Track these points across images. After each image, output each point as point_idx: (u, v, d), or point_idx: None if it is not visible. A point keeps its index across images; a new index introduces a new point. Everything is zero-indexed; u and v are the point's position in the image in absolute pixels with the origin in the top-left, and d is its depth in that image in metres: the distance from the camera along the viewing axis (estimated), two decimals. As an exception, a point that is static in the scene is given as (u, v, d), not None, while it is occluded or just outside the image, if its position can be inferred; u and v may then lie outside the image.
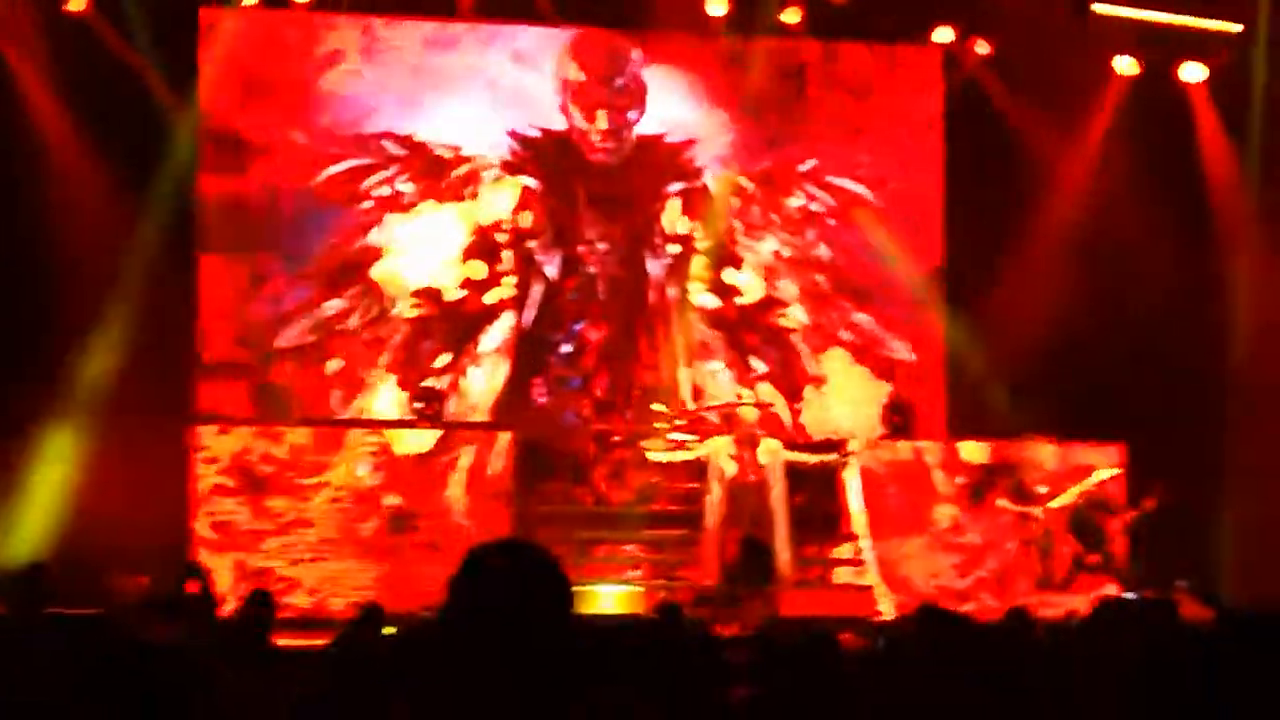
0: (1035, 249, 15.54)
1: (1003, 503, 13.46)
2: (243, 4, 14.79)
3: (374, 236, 15.23)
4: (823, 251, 16.02)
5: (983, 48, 15.68)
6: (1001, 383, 15.03)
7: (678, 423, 14.63)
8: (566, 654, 2.79)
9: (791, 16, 15.42)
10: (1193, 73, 15.58)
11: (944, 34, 15.65)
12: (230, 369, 14.74)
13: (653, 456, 13.57)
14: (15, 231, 13.60)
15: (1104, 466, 13.90)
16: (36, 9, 14.11)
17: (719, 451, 12.31)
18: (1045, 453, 13.46)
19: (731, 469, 12.25)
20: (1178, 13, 15.21)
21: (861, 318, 15.99)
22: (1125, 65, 15.62)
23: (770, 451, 12.33)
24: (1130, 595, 10.76)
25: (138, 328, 13.80)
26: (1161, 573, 12.31)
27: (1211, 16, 15.20)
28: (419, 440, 14.04)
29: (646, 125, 15.77)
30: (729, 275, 15.85)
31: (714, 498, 12.10)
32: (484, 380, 15.30)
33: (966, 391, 15.51)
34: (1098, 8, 15.16)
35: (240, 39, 14.94)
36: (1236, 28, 15.19)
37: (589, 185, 15.64)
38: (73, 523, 13.04)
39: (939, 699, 3.66)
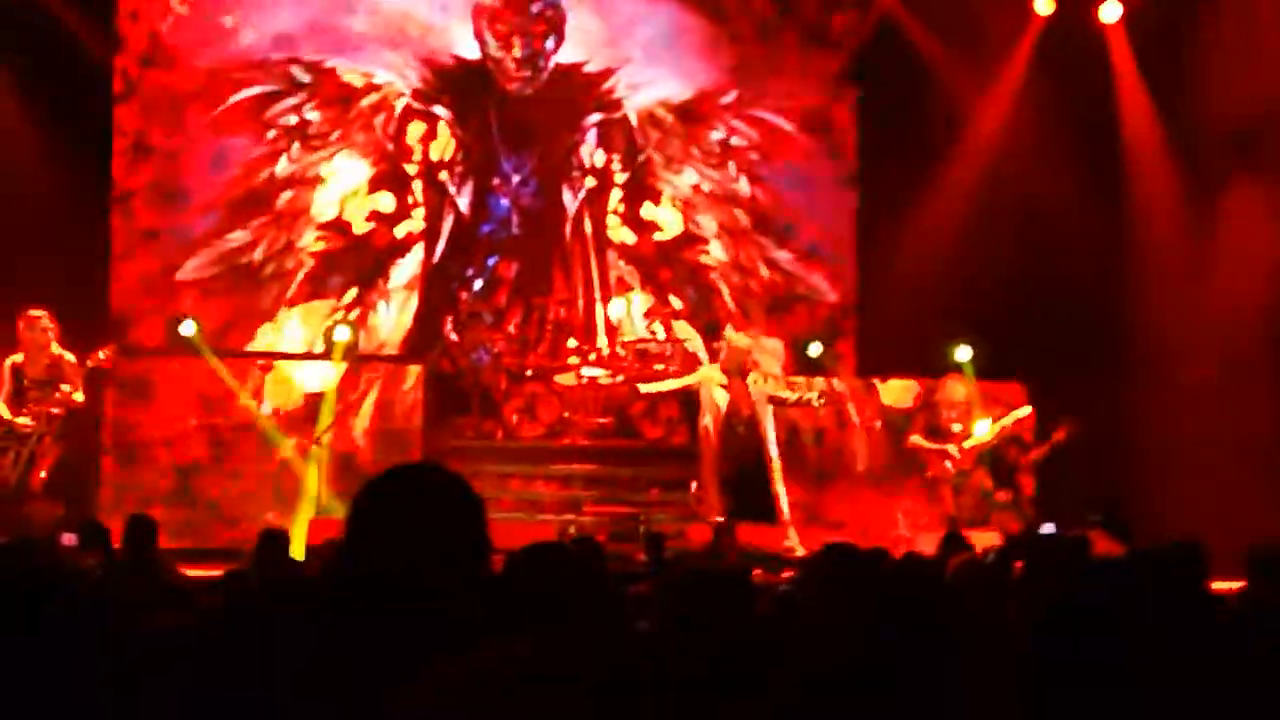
0: (949, 189, 15.57)
1: (916, 439, 13.50)
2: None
3: (280, 167, 14.82)
4: (743, 186, 15.84)
5: (899, -13, 15.63)
6: (914, 322, 15.08)
7: (591, 358, 14.58)
8: (479, 580, 2.68)
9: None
10: (1110, 12, 15.59)
11: (862, -28, 15.58)
12: (142, 302, 14.45)
13: (644, 389, 13.31)
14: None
15: (1017, 405, 13.99)
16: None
17: (709, 381, 12.13)
18: (959, 391, 13.48)
19: (723, 399, 12.05)
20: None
21: (782, 255, 15.87)
22: (1042, 4, 15.60)
23: (756, 383, 12.16)
24: (1045, 530, 10.84)
25: (55, 263, 13.56)
26: (1068, 509, 12.46)
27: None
28: (325, 375, 13.98)
29: (565, 54, 15.45)
30: (647, 210, 15.68)
31: (708, 431, 11.94)
32: (393, 316, 15.02)
33: (878, 331, 15.55)
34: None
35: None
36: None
37: (503, 116, 15.29)
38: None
39: (848, 636, 3.63)
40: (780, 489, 12.45)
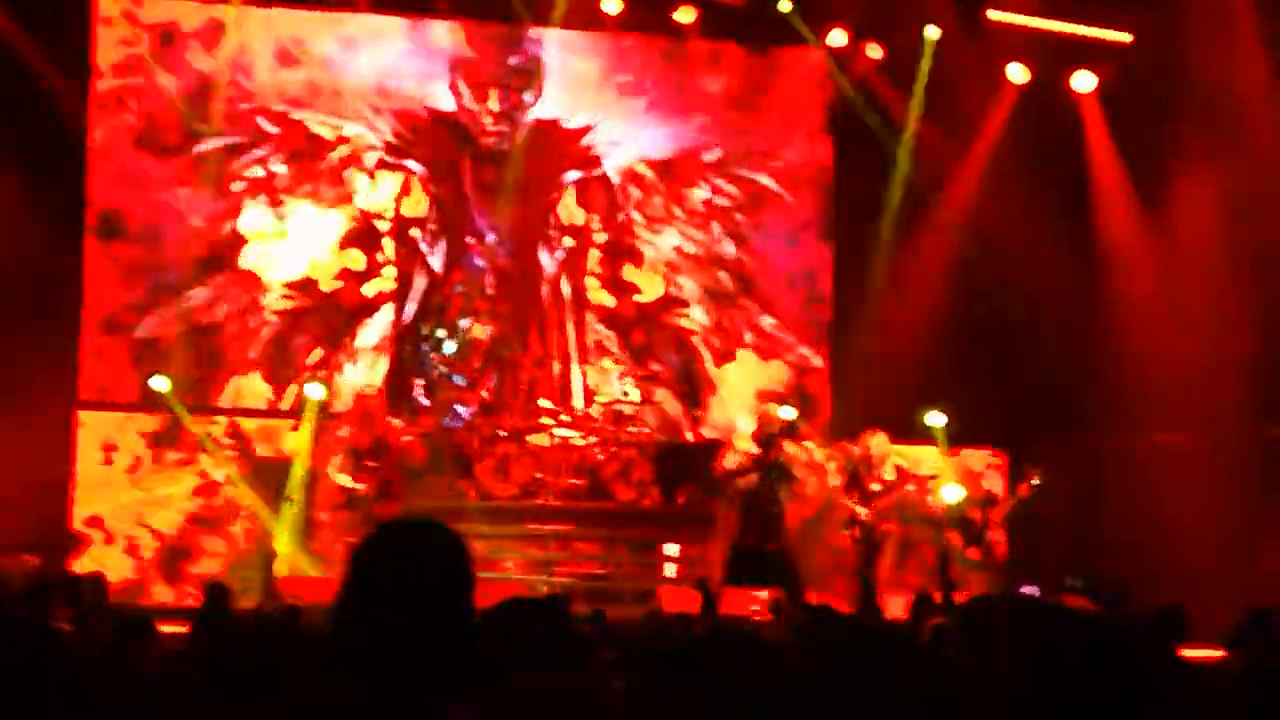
0: (923, 254, 15.63)
1: (834, 484, 13.35)
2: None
3: (244, 221, 14.57)
4: (727, 248, 15.75)
5: (875, 52, 15.71)
6: (888, 384, 15.09)
7: (563, 418, 14.50)
8: (469, 632, 2.74)
9: (685, 16, 15.37)
10: (1083, 81, 15.71)
11: (837, 37, 15.65)
12: (108, 352, 14.28)
13: (728, 463, 13.06)
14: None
15: (990, 469, 13.98)
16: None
17: (735, 450, 12.09)
18: (880, 445, 13.22)
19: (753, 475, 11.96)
20: (1070, 21, 15.32)
21: (767, 321, 15.74)
22: (1016, 73, 15.71)
23: (780, 457, 12.09)
24: (1026, 592, 10.78)
25: (23, 310, 13.55)
26: (1044, 566, 12.49)
27: (1102, 25, 15.33)
28: (289, 440, 13.76)
29: (544, 109, 15.27)
30: (627, 271, 15.52)
31: (729, 498, 11.90)
32: (361, 377, 14.63)
33: (851, 396, 15.54)
34: (992, 14, 15.25)
35: (128, 20, 14.49)
36: (1126, 37, 15.33)
37: (478, 171, 15.06)
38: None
39: (819, 697, 3.60)
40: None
